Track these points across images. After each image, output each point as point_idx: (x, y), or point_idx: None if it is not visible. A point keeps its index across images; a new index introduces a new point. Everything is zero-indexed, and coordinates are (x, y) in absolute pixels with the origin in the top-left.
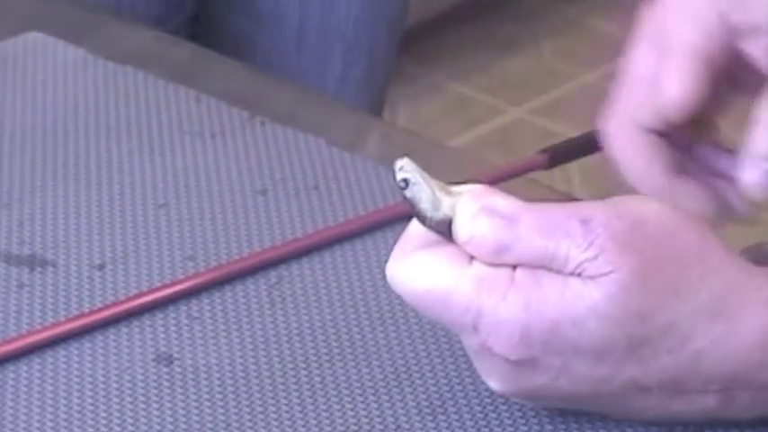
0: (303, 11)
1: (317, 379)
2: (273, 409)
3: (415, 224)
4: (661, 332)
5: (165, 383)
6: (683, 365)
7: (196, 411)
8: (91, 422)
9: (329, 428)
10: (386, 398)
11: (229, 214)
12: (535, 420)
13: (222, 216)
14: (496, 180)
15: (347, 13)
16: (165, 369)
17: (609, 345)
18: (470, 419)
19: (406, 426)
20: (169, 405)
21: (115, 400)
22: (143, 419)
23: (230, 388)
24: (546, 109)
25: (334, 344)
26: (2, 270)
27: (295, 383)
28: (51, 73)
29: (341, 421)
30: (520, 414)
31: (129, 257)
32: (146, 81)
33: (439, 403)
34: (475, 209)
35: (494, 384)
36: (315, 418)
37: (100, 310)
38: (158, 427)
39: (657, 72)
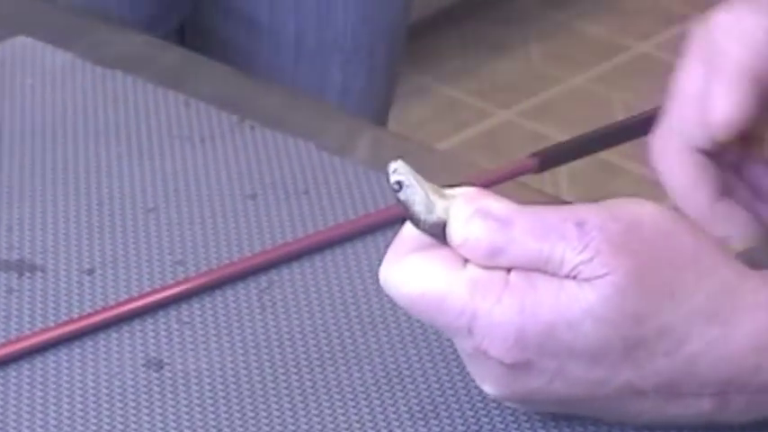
0: (299, 22)
1: (309, 384)
2: (265, 414)
3: (408, 227)
4: (656, 335)
5: (156, 389)
6: (679, 368)
7: (187, 417)
8: (81, 428)
9: None
10: (377, 403)
11: (219, 219)
12: (527, 425)
13: (212, 220)
14: (487, 184)
15: (344, 24)
16: (156, 374)
17: (604, 347)
18: (462, 424)
19: (398, 431)
20: (159, 411)
21: (105, 405)
22: (133, 425)
23: (221, 393)
24: (535, 112)
25: (325, 348)
26: None
27: (286, 388)
28: (39, 77)
29: (332, 426)
30: (512, 419)
31: (118, 262)
32: (134, 85)
33: (431, 408)
34: (469, 212)
35: (488, 388)
36: (306, 424)
37: (89, 315)
38: None
39: (705, 90)
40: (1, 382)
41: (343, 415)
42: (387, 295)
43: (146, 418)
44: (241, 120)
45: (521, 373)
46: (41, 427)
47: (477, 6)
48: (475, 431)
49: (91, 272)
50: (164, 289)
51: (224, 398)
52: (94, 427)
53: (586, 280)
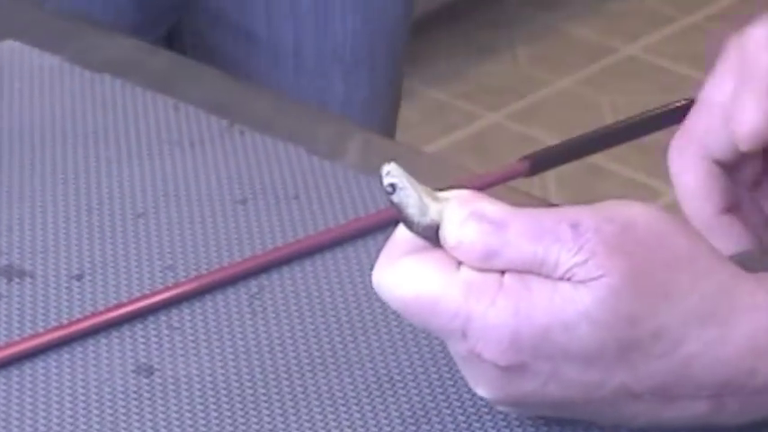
0: (298, 34)
1: (300, 389)
2: (255, 420)
3: (401, 230)
4: (652, 336)
5: (146, 395)
6: (675, 370)
7: (177, 423)
8: None
9: None
10: (369, 407)
11: (209, 223)
12: (519, 430)
13: (202, 225)
14: (478, 187)
15: (344, 34)
16: (146, 380)
17: (599, 350)
18: (453, 429)
19: None
20: (150, 417)
21: (95, 412)
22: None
23: (212, 399)
24: (523, 114)
25: (317, 353)
26: None
27: (277, 393)
28: (28, 81)
29: (323, 431)
30: (504, 424)
31: (107, 267)
32: (123, 89)
33: (422, 413)
34: (463, 214)
35: (481, 391)
36: (297, 430)
37: (79, 320)
38: None
39: (734, 100)
40: None
41: (335, 420)
42: (378, 300)
43: (136, 424)
44: (230, 124)
45: (515, 375)
46: None
47: (463, 9)
48: None
49: (80, 277)
50: (153, 294)
51: (214, 404)
52: None
53: (581, 282)
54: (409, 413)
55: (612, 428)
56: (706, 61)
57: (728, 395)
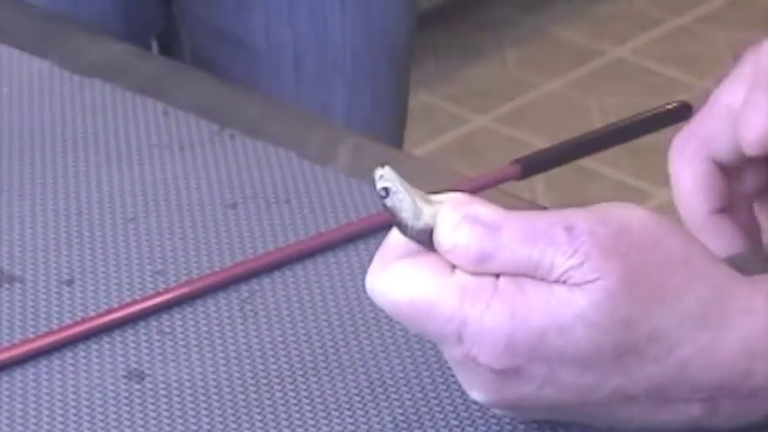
0: (297, 46)
1: (292, 394)
2: (247, 425)
3: (394, 234)
4: (648, 339)
5: (137, 400)
6: (670, 373)
7: (168, 429)
8: None
9: None
10: (361, 413)
11: (200, 228)
12: None
13: (192, 230)
14: (470, 191)
15: (343, 46)
16: (137, 386)
17: (595, 353)
18: None
19: None
20: (141, 422)
21: (86, 417)
22: None
23: (203, 404)
24: (511, 117)
25: (308, 358)
26: None
27: (269, 399)
28: (16, 86)
29: None
30: (497, 428)
31: (98, 272)
32: (113, 94)
33: (415, 417)
34: (457, 217)
35: (476, 395)
36: None
37: (69, 326)
38: None
39: (744, 104)
40: None
41: (327, 425)
42: (369, 304)
43: (127, 430)
44: (221, 128)
45: (510, 379)
46: None
47: (451, 12)
48: None
49: (70, 282)
50: (144, 299)
51: (206, 409)
52: None
53: (577, 285)
54: (402, 418)
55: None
56: (696, 64)
57: (723, 398)
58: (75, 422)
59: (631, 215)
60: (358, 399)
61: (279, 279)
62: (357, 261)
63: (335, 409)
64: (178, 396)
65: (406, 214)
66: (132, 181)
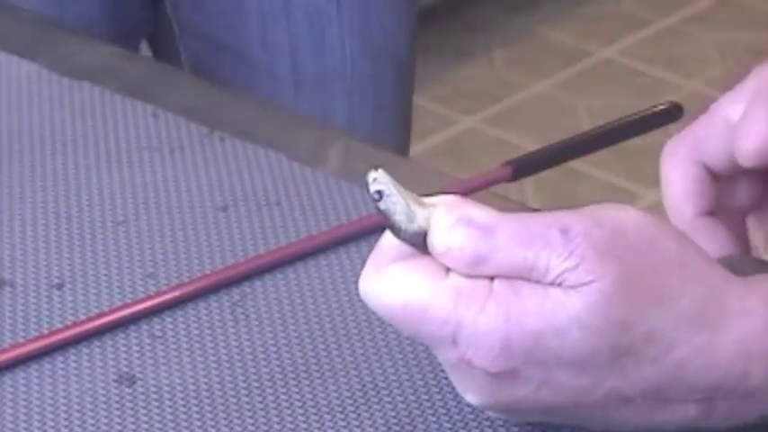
0: (294, 54)
1: (284, 397)
2: (239, 429)
3: (387, 237)
4: (644, 341)
5: (128, 404)
6: (667, 374)
7: None
8: None
9: None
10: (353, 415)
11: (190, 231)
12: None
13: (183, 233)
14: (462, 193)
15: (342, 53)
16: (128, 390)
17: (591, 355)
18: None
19: None
20: (132, 427)
21: (77, 422)
22: None
23: (195, 408)
24: (499, 118)
25: (300, 361)
26: None
27: (261, 402)
28: (5, 88)
29: None
30: (490, 431)
31: (88, 276)
32: (102, 97)
33: (408, 420)
34: (451, 220)
35: (471, 398)
36: None
37: (60, 330)
38: None
39: (743, 116)
40: None
41: (319, 429)
42: (361, 306)
43: None
44: (211, 131)
45: (506, 382)
46: None
47: (440, 13)
48: None
49: (60, 286)
50: (135, 303)
51: (198, 413)
52: None
53: (572, 287)
54: (394, 420)
55: None
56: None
57: (720, 398)
58: (66, 427)
59: (626, 217)
60: (350, 402)
61: (270, 282)
62: (348, 264)
63: (328, 413)
64: (170, 400)
65: (399, 217)
66: (122, 184)
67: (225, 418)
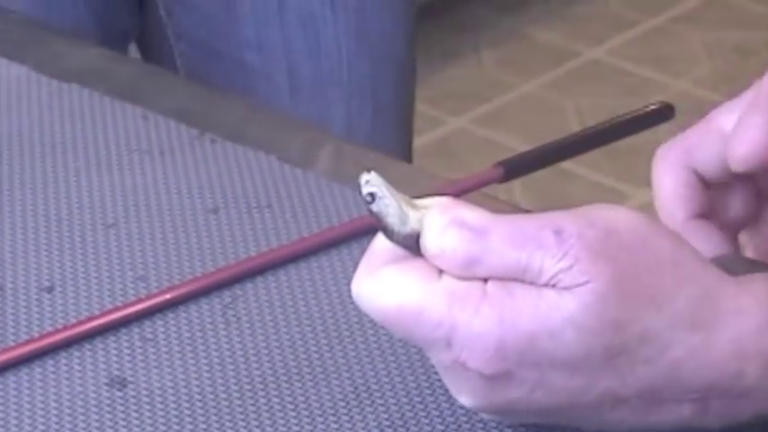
0: (290, 56)
1: (276, 400)
2: (231, 431)
3: (380, 239)
4: (638, 341)
5: (120, 408)
6: (661, 374)
7: None
8: None
9: None
10: (346, 418)
11: (181, 233)
12: None
13: (173, 235)
14: (453, 194)
15: (338, 56)
16: (119, 393)
17: (586, 355)
18: None
19: None
20: (124, 430)
21: (68, 426)
22: None
23: (186, 411)
24: (488, 119)
25: (292, 363)
26: None
27: (253, 405)
28: None
29: None
30: None
31: (78, 279)
32: (91, 99)
33: (401, 422)
34: (444, 222)
35: (465, 400)
36: None
37: (50, 333)
38: None
39: (738, 123)
40: None
41: (311, 431)
42: (353, 309)
43: None
44: (201, 133)
45: (500, 383)
46: None
47: (428, 13)
48: None
49: (50, 289)
50: (126, 306)
51: (189, 416)
52: None
53: (566, 288)
54: (387, 422)
55: None
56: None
57: (714, 398)
58: (56, 430)
59: (619, 217)
60: (342, 404)
61: (261, 284)
62: (340, 265)
63: (320, 415)
64: (161, 403)
65: (392, 219)
66: (112, 186)
67: (217, 422)
